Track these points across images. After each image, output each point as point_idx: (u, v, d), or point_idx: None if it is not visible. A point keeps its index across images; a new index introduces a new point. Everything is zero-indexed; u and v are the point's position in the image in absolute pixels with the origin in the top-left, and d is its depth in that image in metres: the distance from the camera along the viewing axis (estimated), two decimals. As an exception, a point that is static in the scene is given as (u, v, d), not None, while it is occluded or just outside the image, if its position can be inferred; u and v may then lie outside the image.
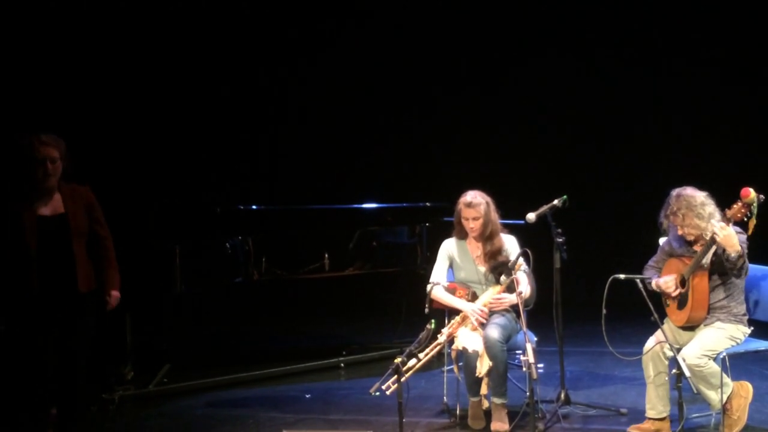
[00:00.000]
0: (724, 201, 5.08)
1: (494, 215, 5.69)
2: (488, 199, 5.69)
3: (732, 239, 4.89)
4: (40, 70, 8.86)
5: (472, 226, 5.64)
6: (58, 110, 8.73)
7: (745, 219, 4.88)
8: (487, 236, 5.67)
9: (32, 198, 4.94)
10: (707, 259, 5.11)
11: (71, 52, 9.01)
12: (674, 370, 5.00)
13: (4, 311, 4.94)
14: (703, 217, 5.08)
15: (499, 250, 5.67)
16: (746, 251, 5.07)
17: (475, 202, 5.62)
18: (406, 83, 10.11)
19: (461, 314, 5.58)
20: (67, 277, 4.96)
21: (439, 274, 5.79)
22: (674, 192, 5.22)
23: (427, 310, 5.66)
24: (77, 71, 9.06)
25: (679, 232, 5.20)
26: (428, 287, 5.76)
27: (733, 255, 4.94)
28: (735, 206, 4.88)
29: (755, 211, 4.85)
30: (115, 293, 5.14)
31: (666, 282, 5.24)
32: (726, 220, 4.91)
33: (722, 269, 5.10)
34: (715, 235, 4.91)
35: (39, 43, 8.86)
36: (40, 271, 4.91)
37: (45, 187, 4.94)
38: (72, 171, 5.03)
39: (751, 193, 4.81)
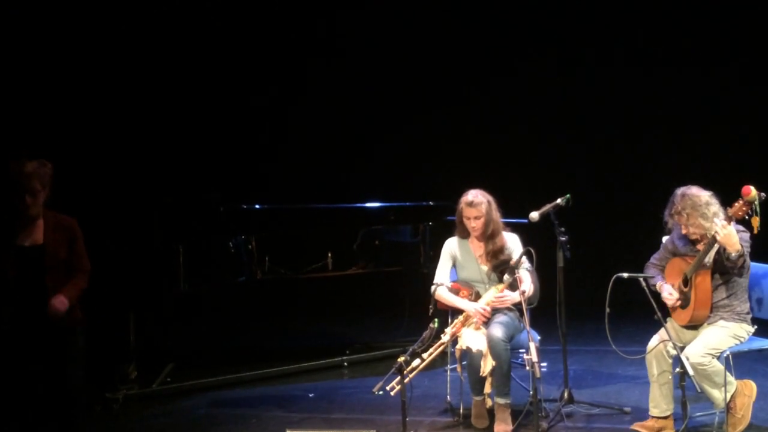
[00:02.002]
0: (726, 200, 5.07)
1: (496, 214, 5.68)
2: (489, 198, 5.68)
3: (732, 238, 4.88)
4: (43, 69, 8.87)
5: (474, 225, 5.63)
6: (63, 110, 8.76)
7: (747, 217, 4.87)
8: (488, 235, 5.66)
9: (13, 227, 4.79)
10: (710, 258, 5.10)
11: (75, 51, 9.03)
12: (678, 369, 4.99)
13: None
14: (707, 216, 5.06)
15: (501, 249, 5.66)
16: (749, 250, 5.06)
17: (476, 201, 5.62)
18: (410, 82, 10.11)
19: (464, 313, 5.58)
20: (41, 311, 4.76)
21: (442, 274, 5.79)
22: (679, 191, 5.20)
23: (431, 311, 5.68)
24: (81, 71, 9.07)
25: (683, 232, 5.20)
26: (432, 288, 5.76)
27: (733, 254, 4.93)
28: (736, 204, 4.88)
29: (758, 209, 4.83)
30: (61, 299, 4.78)
31: (670, 296, 5.22)
32: (728, 218, 4.91)
33: (724, 268, 5.10)
34: (716, 234, 4.90)
35: (41, 43, 8.87)
36: (18, 302, 4.77)
37: (25, 215, 4.77)
38: (52, 198, 4.84)
39: (752, 191, 4.80)
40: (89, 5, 9.07)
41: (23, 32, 8.79)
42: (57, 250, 4.80)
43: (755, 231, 4.97)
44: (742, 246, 4.95)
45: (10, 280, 4.74)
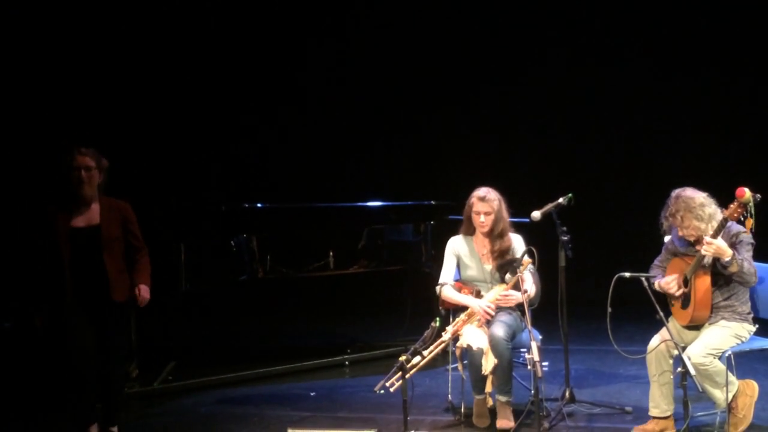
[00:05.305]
0: (725, 201, 5.06)
1: (505, 214, 5.69)
2: (500, 197, 5.70)
3: (720, 249, 4.88)
4: (46, 70, 8.89)
5: (483, 221, 5.63)
6: (64, 110, 8.78)
7: (742, 218, 4.87)
8: (497, 234, 5.66)
9: (69, 209, 5.21)
10: (708, 259, 5.08)
11: (78, 53, 9.04)
12: (679, 369, 4.99)
13: (43, 316, 5.26)
14: (702, 218, 5.05)
15: (507, 249, 5.66)
16: (750, 254, 5.04)
17: (488, 197, 5.63)
18: (412, 81, 10.11)
19: (467, 311, 5.58)
20: (99, 286, 5.20)
21: (447, 273, 5.78)
22: (674, 193, 5.19)
23: (442, 311, 5.69)
24: (83, 72, 9.09)
25: (680, 233, 5.19)
26: (437, 289, 5.76)
27: (726, 259, 4.92)
28: (731, 206, 4.87)
29: (752, 210, 4.83)
30: (144, 287, 5.34)
31: (668, 282, 5.22)
32: (724, 220, 4.90)
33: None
34: (704, 251, 4.91)
35: (44, 44, 8.89)
36: (74, 280, 5.16)
37: (80, 195, 5.19)
38: (106, 185, 5.30)
39: (746, 193, 4.79)
40: (91, 6, 9.09)
41: (24, 33, 8.81)
42: (111, 229, 5.24)
43: (748, 233, 4.98)
44: (734, 251, 4.94)
45: (65, 261, 5.14)
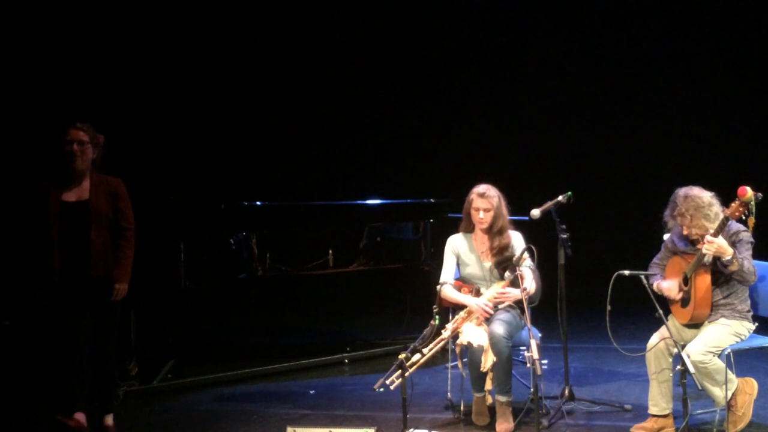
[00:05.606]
0: (725, 199, 5.07)
1: (505, 211, 5.68)
2: (500, 193, 5.69)
3: (722, 248, 4.89)
4: (44, 66, 8.89)
5: (482, 217, 5.62)
6: (63, 107, 8.77)
7: (743, 217, 4.87)
8: (496, 231, 5.65)
9: (61, 183, 5.22)
10: (709, 258, 5.08)
11: (75, 50, 9.04)
12: (678, 367, 4.98)
13: (28, 294, 5.30)
14: (710, 217, 5.05)
15: (506, 247, 5.65)
16: (749, 253, 5.04)
17: (488, 194, 5.62)
18: (412, 80, 10.12)
19: (466, 309, 5.58)
20: (83, 262, 5.20)
21: (447, 273, 5.76)
22: (681, 192, 5.18)
23: (436, 309, 5.66)
24: (83, 68, 9.08)
25: (685, 232, 5.18)
26: (438, 288, 5.75)
27: (726, 258, 4.92)
28: (733, 205, 4.87)
29: (753, 209, 4.83)
30: (120, 285, 5.31)
31: (669, 288, 5.22)
32: (725, 219, 4.90)
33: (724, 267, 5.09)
34: (705, 250, 4.91)
35: (42, 40, 8.89)
36: (63, 255, 5.17)
37: (72, 168, 5.18)
38: (102, 163, 5.32)
39: (748, 192, 4.80)
40: (88, 3, 9.10)
41: (23, 30, 8.82)
42: (100, 205, 5.21)
43: (750, 231, 4.97)
44: (734, 250, 4.94)
45: (54, 235, 5.16)
